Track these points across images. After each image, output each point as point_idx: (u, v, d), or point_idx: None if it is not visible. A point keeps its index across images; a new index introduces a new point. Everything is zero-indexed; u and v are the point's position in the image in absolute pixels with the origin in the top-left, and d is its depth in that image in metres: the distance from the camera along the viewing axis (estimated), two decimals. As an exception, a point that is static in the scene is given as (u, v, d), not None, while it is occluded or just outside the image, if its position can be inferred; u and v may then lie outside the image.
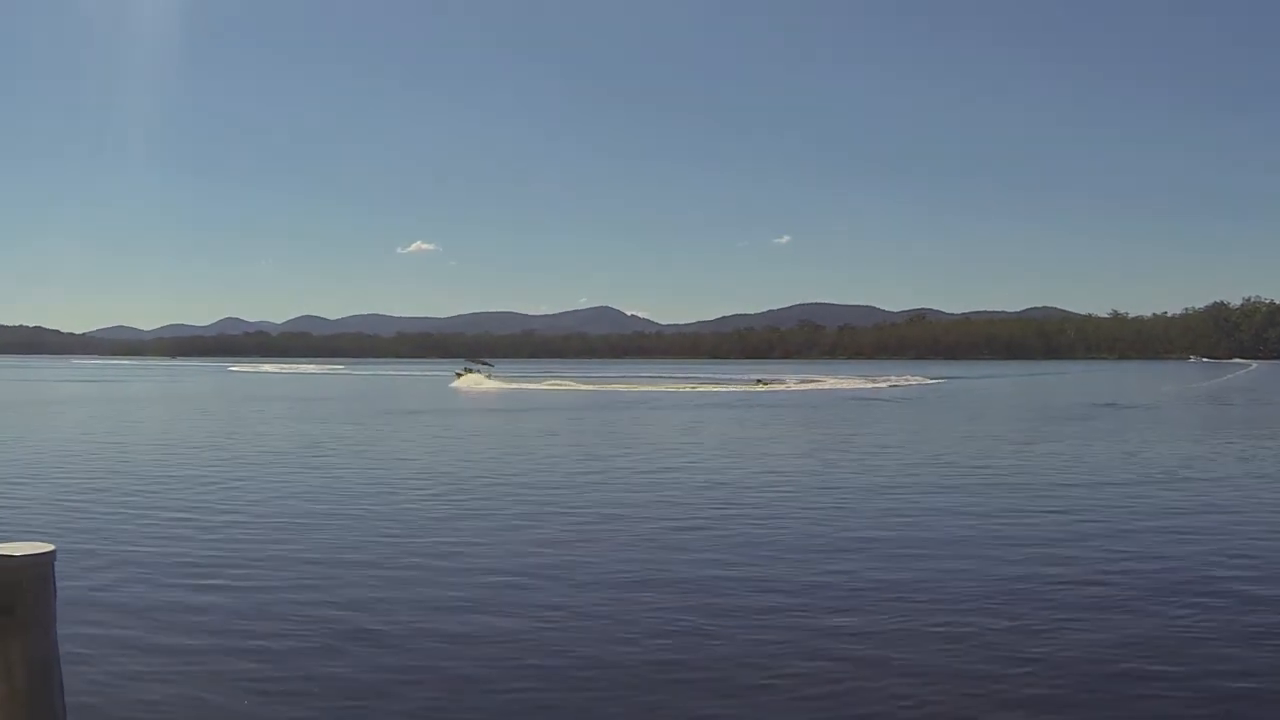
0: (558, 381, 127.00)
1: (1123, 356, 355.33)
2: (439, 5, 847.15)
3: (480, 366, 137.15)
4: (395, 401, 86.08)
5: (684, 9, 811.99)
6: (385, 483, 29.56)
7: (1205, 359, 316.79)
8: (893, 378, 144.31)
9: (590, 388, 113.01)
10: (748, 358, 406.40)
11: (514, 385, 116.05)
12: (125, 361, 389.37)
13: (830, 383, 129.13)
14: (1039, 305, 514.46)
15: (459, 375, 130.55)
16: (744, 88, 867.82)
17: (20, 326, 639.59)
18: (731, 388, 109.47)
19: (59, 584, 6.72)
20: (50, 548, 6.68)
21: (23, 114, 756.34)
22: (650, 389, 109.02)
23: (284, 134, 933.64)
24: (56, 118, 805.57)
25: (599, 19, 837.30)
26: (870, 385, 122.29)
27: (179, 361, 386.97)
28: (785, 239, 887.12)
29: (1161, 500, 25.90)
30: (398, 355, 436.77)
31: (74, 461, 35.35)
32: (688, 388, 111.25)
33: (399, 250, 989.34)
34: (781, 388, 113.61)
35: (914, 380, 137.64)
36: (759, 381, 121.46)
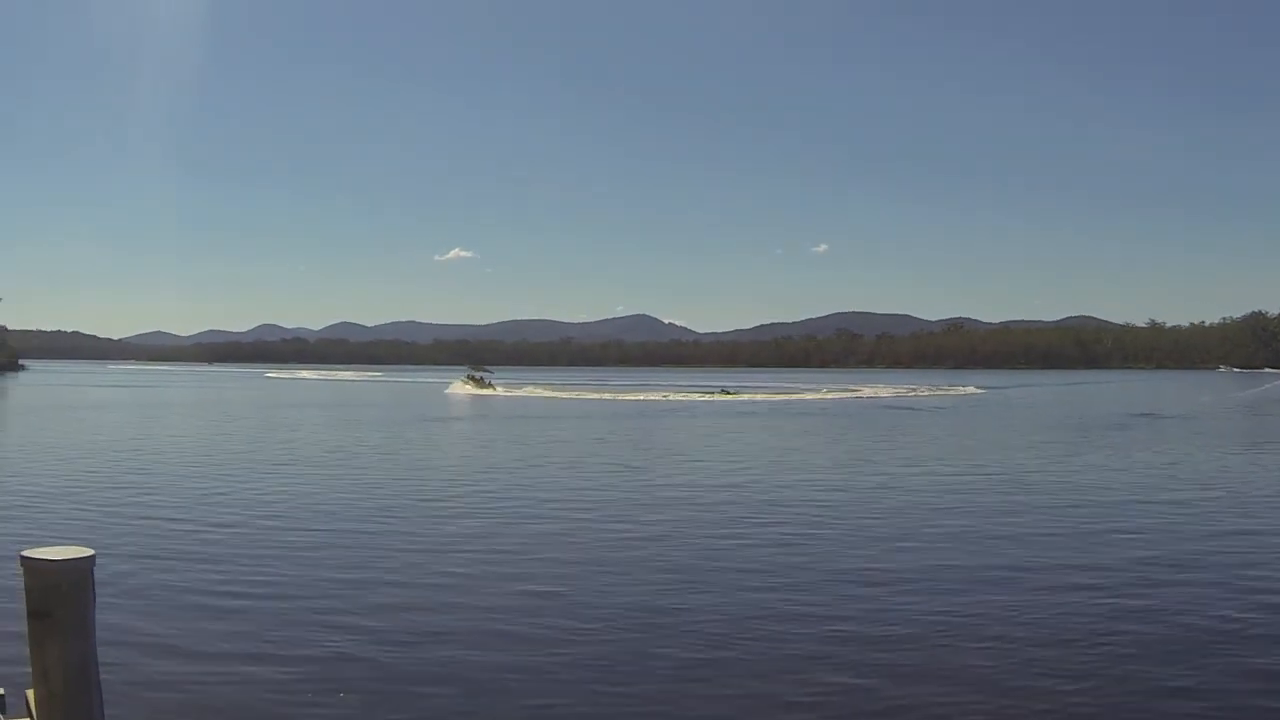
0: (534, 388, 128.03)
1: (1160, 366, 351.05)
2: (474, 12, 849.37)
3: (482, 374, 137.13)
4: (427, 409, 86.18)
5: (721, 17, 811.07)
6: (416, 490, 29.54)
7: (1236, 369, 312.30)
8: (930, 387, 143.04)
9: (569, 396, 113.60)
10: (785, 366, 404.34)
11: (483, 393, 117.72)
12: (162, 367, 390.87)
13: (867, 391, 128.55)
14: (1076, 314, 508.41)
15: (466, 383, 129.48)
16: (783, 96, 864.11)
17: (58, 332, 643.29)
18: (696, 396, 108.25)
19: (97, 588, 6.76)
20: (89, 552, 6.77)
21: (58, 118, 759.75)
22: (631, 398, 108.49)
23: (322, 140, 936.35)
24: (92, 123, 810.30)
25: (637, 28, 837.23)
26: (910, 394, 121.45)
27: (216, 367, 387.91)
28: (823, 247, 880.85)
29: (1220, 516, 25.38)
30: (435, 362, 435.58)
31: (113, 467, 35.69)
32: (658, 396, 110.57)
33: (436, 257, 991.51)
34: (746, 396, 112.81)
35: (955, 390, 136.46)
36: (723, 390, 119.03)
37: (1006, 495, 28.82)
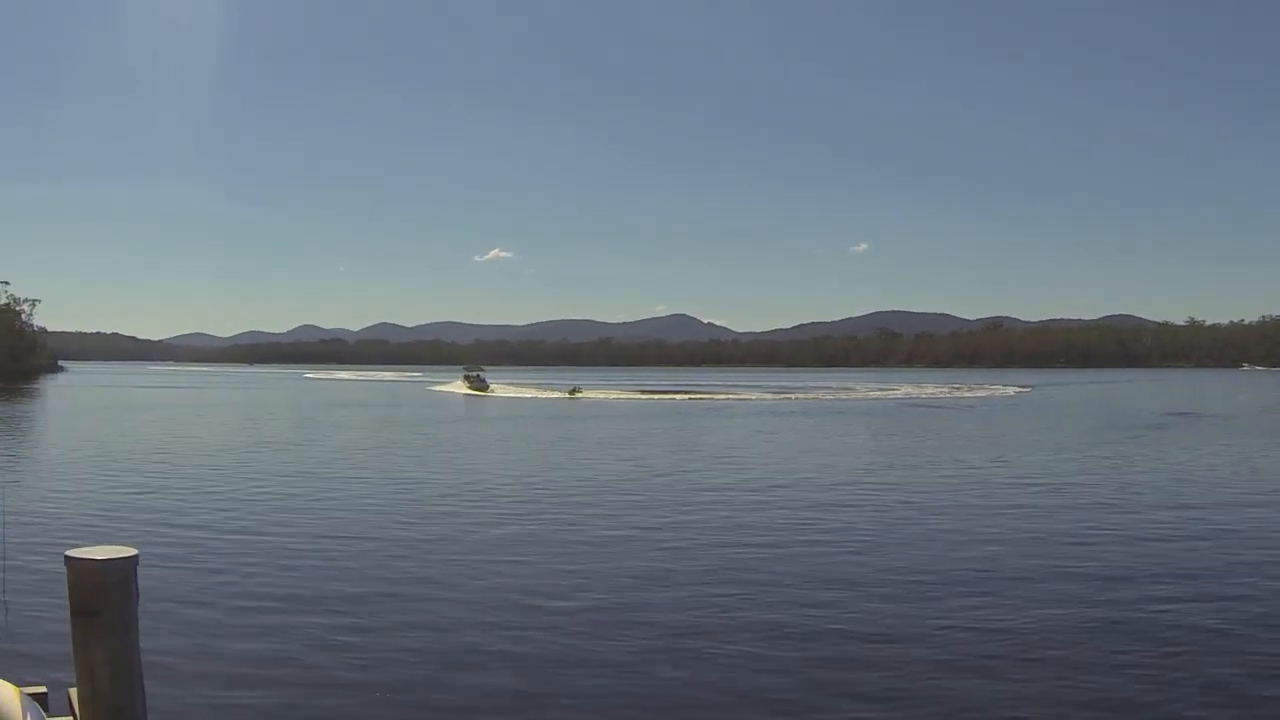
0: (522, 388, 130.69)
1: (1199, 364, 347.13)
2: (515, 20, 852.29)
3: (477, 373, 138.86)
4: (460, 409, 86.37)
5: (760, 29, 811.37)
6: (453, 488, 29.51)
7: (1259, 367, 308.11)
8: (973, 386, 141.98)
9: (549, 395, 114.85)
10: (824, 366, 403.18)
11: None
12: (202, 368, 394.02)
13: (902, 390, 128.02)
14: (1115, 313, 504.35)
15: (468, 380, 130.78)
16: (823, 102, 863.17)
17: (96, 333, 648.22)
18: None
19: (141, 587, 6.70)
20: (133, 551, 6.76)
21: (97, 123, 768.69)
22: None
23: (362, 142, 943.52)
24: (131, 127, 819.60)
25: (679, 36, 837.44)
26: (951, 394, 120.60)
27: (256, 368, 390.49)
28: (862, 247, 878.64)
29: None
30: (475, 363, 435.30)
31: (155, 467, 35.99)
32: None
33: (476, 258, 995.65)
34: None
35: (998, 389, 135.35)
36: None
37: (1081, 497, 28.23)
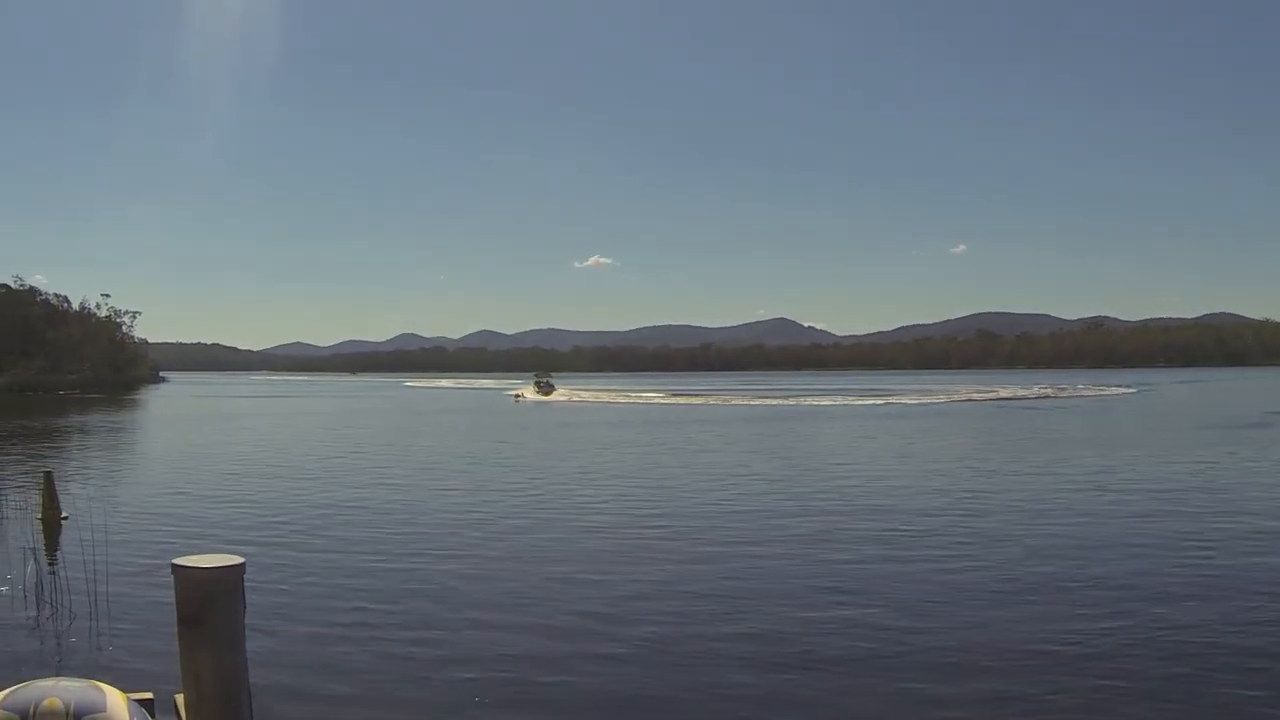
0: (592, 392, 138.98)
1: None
2: (606, 24, 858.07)
3: (546, 379, 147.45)
4: (556, 415, 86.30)
5: (856, 30, 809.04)
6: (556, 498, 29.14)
7: None
8: (1079, 387, 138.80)
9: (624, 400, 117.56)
10: (924, 368, 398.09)
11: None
12: (302, 378, 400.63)
13: (1036, 389, 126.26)
14: (1216, 311, 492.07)
15: (537, 386, 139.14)
16: (920, 101, 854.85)
17: (198, 344, 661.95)
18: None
19: (248, 596, 6.69)
20: (240, 560, 6.76)
21: (205, 137, 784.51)
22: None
23: (460, 151, 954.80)
24: (235, 142, 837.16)
25: (774, 39, 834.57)
26: (1058, 395, 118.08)
27: (357, 378, 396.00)
28: (961, 248, 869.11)
29: None
30: (575, 369, 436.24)
31: (262, 475, 36.28)
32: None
33: (576, 264, 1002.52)
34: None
35: (1107, 389, 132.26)
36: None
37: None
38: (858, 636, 13.57)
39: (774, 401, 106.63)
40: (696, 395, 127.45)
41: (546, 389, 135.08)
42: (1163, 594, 15.87)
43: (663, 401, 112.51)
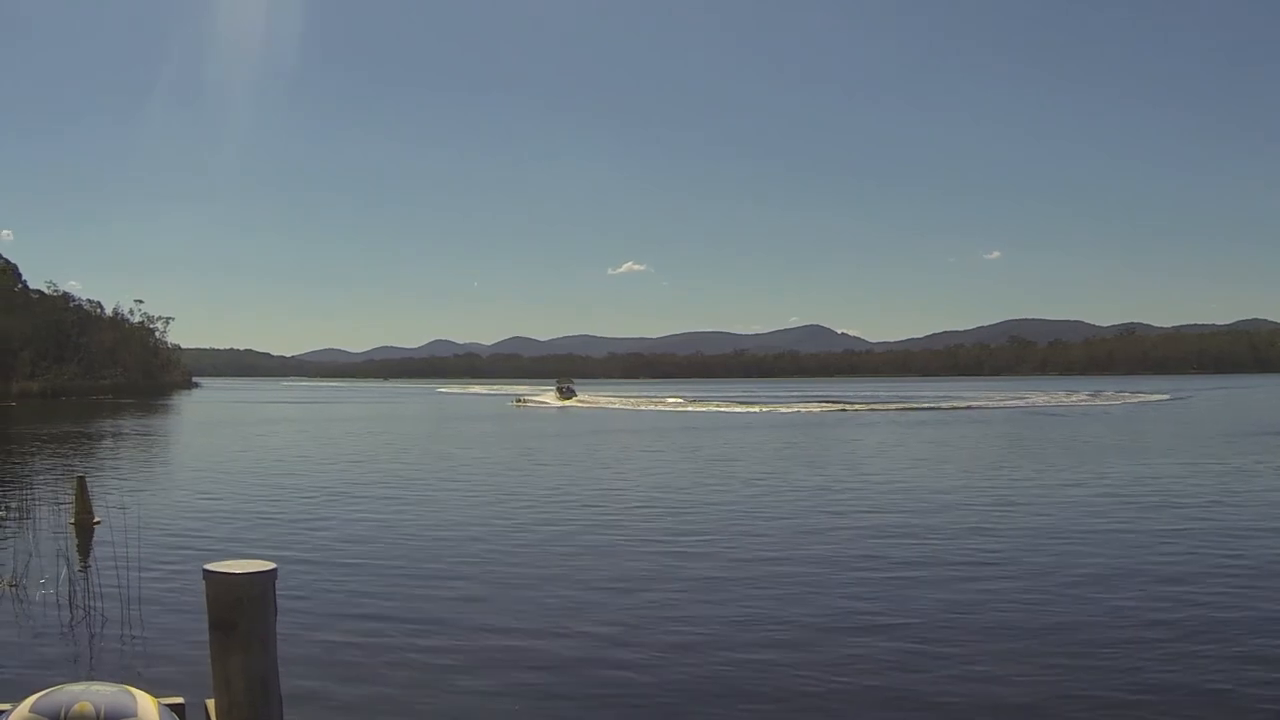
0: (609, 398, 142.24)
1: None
2: (642, 32, 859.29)
3: (567, 385, 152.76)
4: (587, 422, 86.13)
5: (889, 40, 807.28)
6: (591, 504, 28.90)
7: None
8: (1112, 394, 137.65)
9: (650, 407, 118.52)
10: (957, 375, 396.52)
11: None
12: (335, 384, 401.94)
13: (1075, 398, 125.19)
14: (1249, 317, 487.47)
15: (559, 392, 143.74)
16: (956, 109, 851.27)
17: (231, 349, 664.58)
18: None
19: (279, 601, 6.66)
20: (271, 566, 6.79)
21: (238, 144, 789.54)
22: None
23: (494, 158, 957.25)
24: (270, 148, 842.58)
25: (811, 49, 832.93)
26: (1093, 402, 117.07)
27: (389, 383, 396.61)
28: (995, 254, 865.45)
29: None
30: (608, 376, 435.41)
31: (294, 481, 36.32)
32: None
33: (610, 271, 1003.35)
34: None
35: (1142, 395, 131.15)
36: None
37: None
38: (882, 654, 13.30)
39: (794, 409, 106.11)
40: (716, 401, 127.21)
41: (567, 394, 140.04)
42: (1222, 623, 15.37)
43: (678, 410, 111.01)
